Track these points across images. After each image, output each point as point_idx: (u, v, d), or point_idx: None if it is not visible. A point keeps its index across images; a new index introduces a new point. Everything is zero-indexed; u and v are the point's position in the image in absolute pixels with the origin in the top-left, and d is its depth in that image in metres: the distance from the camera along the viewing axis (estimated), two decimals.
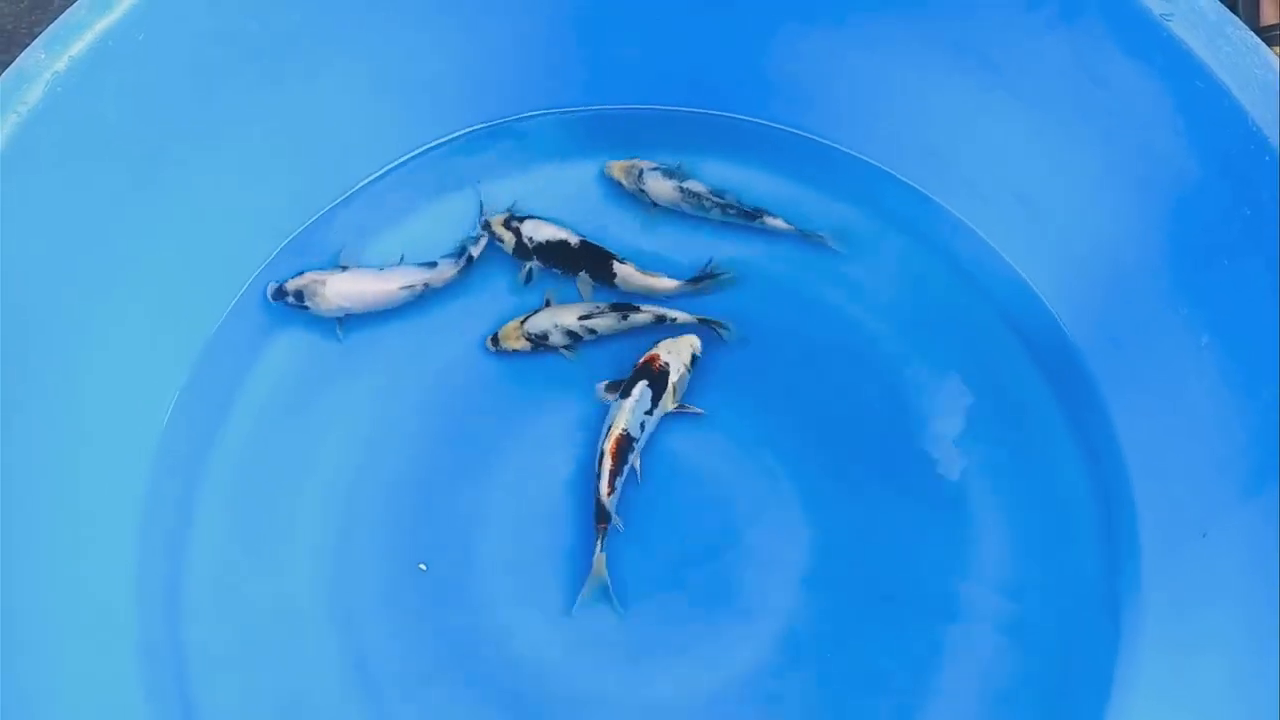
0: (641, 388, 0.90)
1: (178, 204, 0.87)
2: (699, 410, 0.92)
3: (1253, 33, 0.74)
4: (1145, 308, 0.85)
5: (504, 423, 0.93)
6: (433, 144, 0.99)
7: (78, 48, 0.74)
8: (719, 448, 0.92)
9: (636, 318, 0.93)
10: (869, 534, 0.90)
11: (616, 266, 0.95)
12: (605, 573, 0.88)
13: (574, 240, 0.95)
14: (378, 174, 0.98)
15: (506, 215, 0.96)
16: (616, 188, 0.99)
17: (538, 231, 0.95)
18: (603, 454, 0.89)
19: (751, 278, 0.97)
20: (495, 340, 0.93)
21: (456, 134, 1.00)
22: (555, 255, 0.95)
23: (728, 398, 0.93)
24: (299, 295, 0.92)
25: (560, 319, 0.93)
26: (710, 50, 0.96)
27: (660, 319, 0.94)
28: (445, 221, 0.98)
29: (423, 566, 0.89)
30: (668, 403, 0.91)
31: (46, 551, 0.81)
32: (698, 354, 0.93)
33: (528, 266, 0.96)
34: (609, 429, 0.89)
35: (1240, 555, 0.80)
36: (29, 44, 0.75)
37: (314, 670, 0.87)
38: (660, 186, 0.97)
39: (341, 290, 0.92)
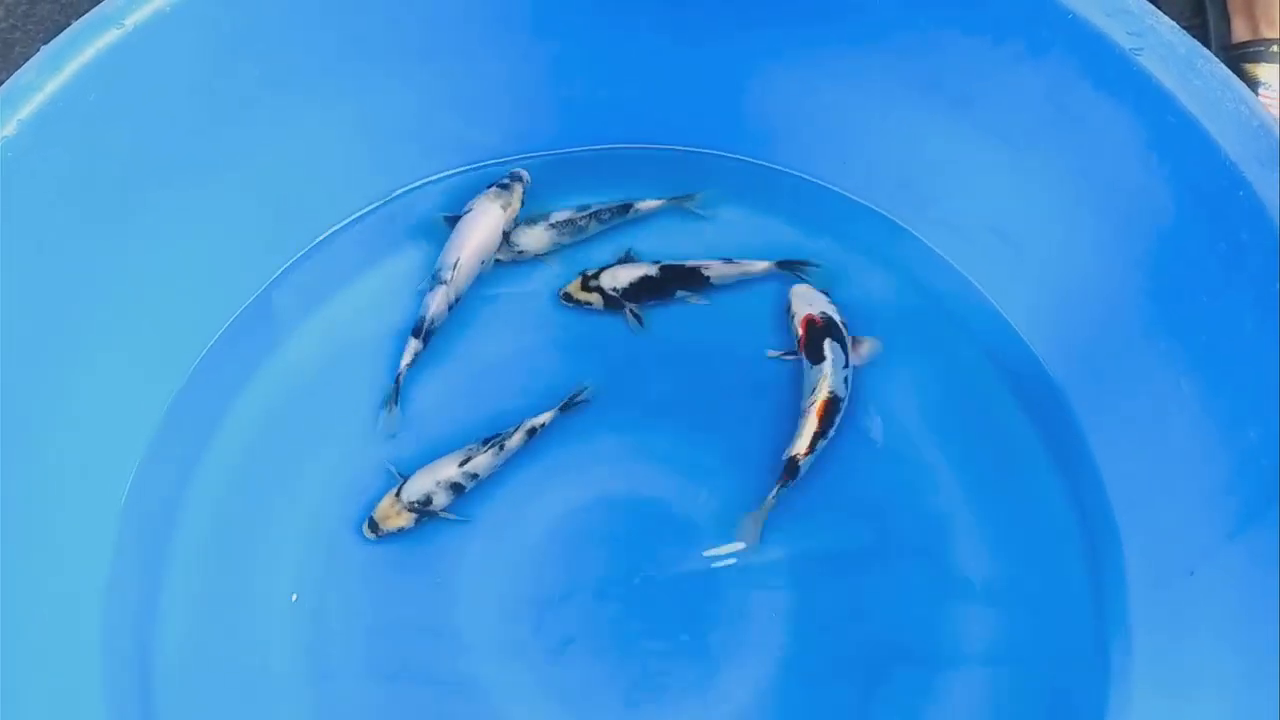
0: (832, 345, 0.89)
1: (142, 259, 0.85)
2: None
3: (1224, 65, 0.73)
4: (1125, 342, 0.84)
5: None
6: (406, 188, 0.98)
7: (26, 111, 0.72)
8: (692, 492, 0.90)
9: (511, 444, 0.89)
10: (851, 578, 0.88)
11: (706, 270, 0.94)
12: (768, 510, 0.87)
13: (654, 270, 0.94)
14: (350, 219, 0.97)
15: (580, 279, 0.94)
16: (499, 264, 0.96)
17: (617, 279, 0.94)
18: (806, 413, 0.88)
19: (718, 315, 0.95)
20: (373, 526, 0.87)
21: (431, 178, 0.98)
22: (645, 292, 0.94)
23: (700, 437, 0.92)
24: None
25: (440, 475, 0.87)
26: (683, 88, 0.95)
27: (532, 432, 0.89)
28: (419, 264, 0.97)
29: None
30: (853, 354, 0.90)
31: (8, 611, 0.79)
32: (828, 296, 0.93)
33: (629, 311, 0.94)
34: (814, 392, 0.88)
35: (1229, 593, 0.78)
36: None
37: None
38: (533, 236, 0.95)
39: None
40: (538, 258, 0.96)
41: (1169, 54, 0.73)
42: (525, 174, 0.96)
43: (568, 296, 0.95)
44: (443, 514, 0.88)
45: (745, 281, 0.96)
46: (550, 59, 0.93)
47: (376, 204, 0.97)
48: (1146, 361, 0.82)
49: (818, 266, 0.95)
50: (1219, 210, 0.73)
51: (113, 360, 0.86)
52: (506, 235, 0.94)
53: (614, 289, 0.94)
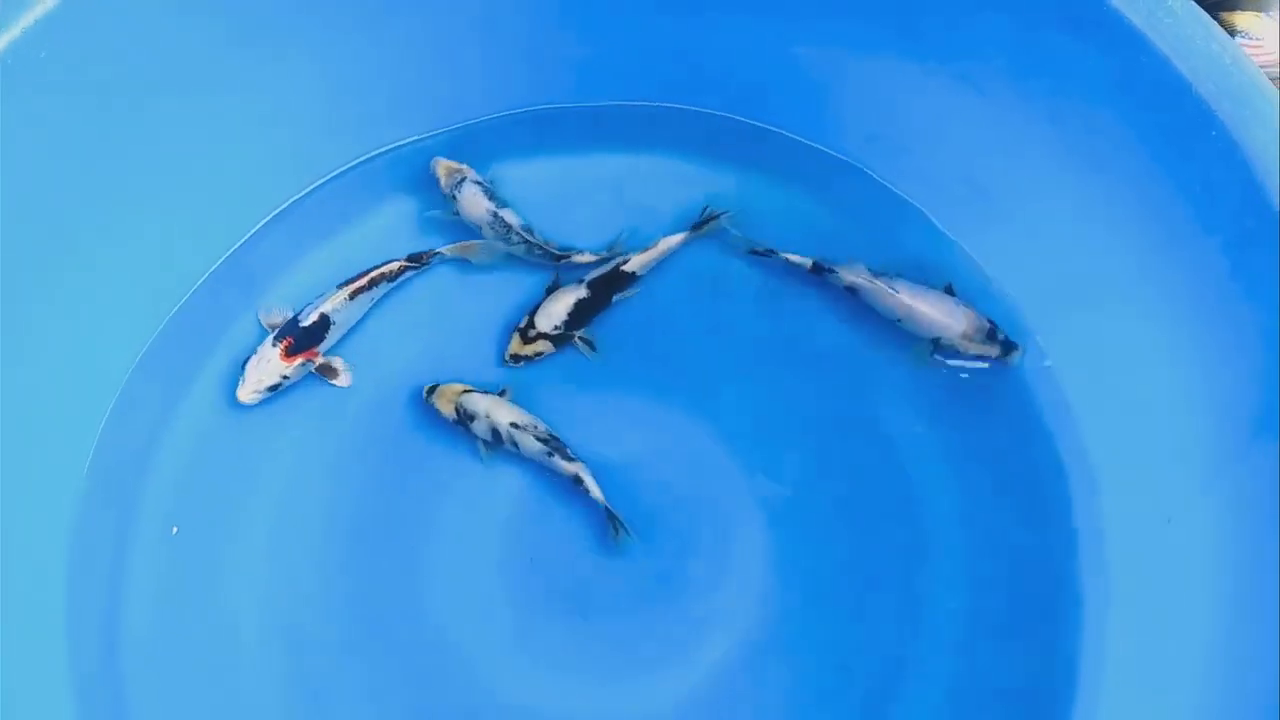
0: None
1: (98, 227, 0.84)
2: None
3: (1196, 3, 0.72)
4: (1099, 288, 0.83)
5: (449, 442, 0.90)
6: (381, 150, 0.96)
7: None
8: (676, 451, 0.90)
9: (561, 465, 0.86)
10: (830, 533, 0.88)
11: (628, 268, 0.92)
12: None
13: (583, 292, 0.91)
14: (318, 183, 0.95)
15: (517, 336, 0.91)
16: (436, 185, 0.94)
17: (552, 316, 0.90)
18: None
19: (705, 273, 0.94)
20: (431, 390, 0.90)
21: (402, 142, 0.96)
22: (583, 314, 0.91)
23: (683, 399, 0.91)
24: None
25: (497, 415, 0.87)
26: (655, 43, 0.93)
27: (578, 481, 0.87)
28: (394, 226, 0.96)
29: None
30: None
31: None
32: None
33: (580, 340, 0.91)
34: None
35: (1205, 540, 0.78)
36: None
37: (259, 694, 0.85)
38: (473, 202, 0.92)
39: None
40: (458, 215, 0.93)
41: None
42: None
43: (515, 357, 0.91)
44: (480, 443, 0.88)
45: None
46: (521, 14, 0.90)
47: (351, 164, 0.95)
48: (1121, 307, 0.82)
49: (726, 212, 0.93)
50: (1190, 150, 0.72)
51: (74, 323, 0.85)
52: (461, 181, 0.93)
53: (555, 327, 0.90)
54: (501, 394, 0.89)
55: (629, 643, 0.86)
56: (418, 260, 0.92)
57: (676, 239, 0.93)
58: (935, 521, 0.88)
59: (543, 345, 0.90)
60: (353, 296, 0.90)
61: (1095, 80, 0.75)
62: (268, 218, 0.94)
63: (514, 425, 0.87)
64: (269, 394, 0.89)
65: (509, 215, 0.92)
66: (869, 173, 0.94)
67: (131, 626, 0.85)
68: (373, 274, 0.91)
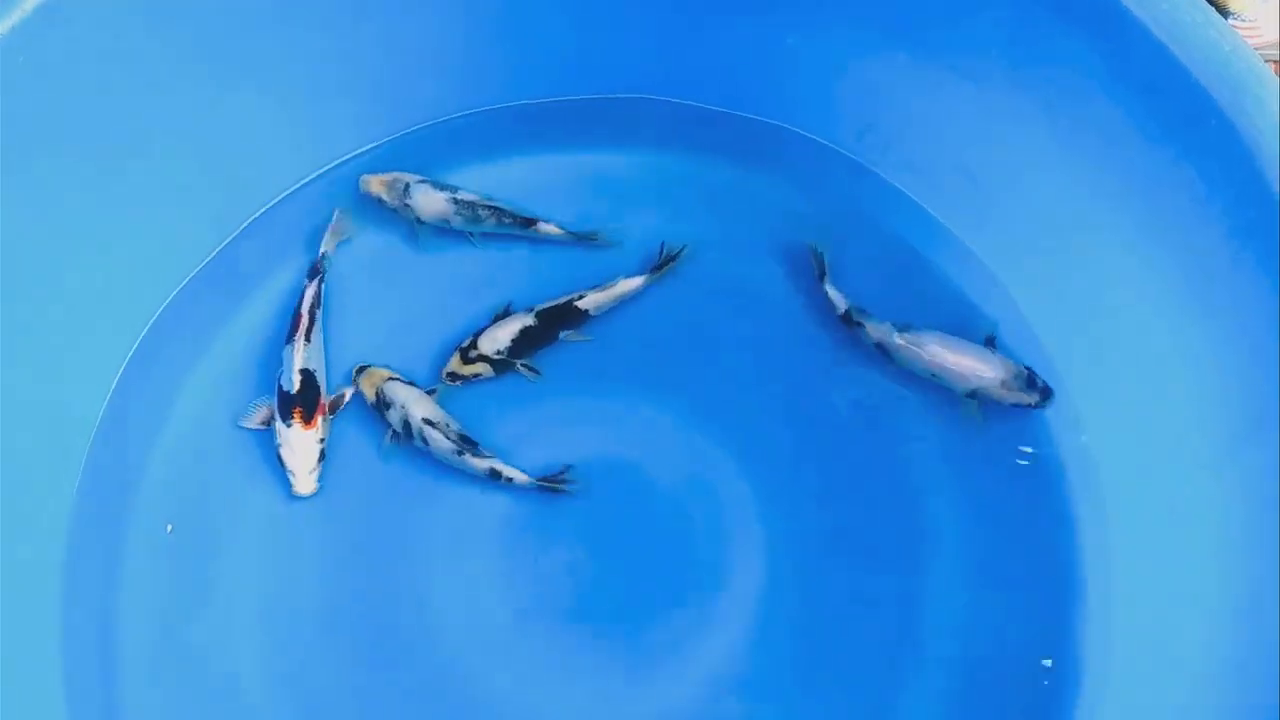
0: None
1: (80, 230, 0.83)
2: None
3: None
4: (1098, 279, 0.83)
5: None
6: (351, 155, 0.95)
7: None
8: (674, 456, 0.89)
9: (473, 462, 0.86)
10: (828, 533, 0.87)
11: (581, 304, 0.90)
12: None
13: (531, 320, 0.90)
14: (287, 193, 0.94)
15: (458, 355, 0.89)
16: (381, 204, 0.93)
17: (497, 340, 0.89)
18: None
19: (700, 279, 0.93)
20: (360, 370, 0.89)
21: (379, 142, 0.95)
22: (529, 343, 0.90)
23: (682, 401, 0.90)
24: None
25: (413, 408, 0.86)
26: (638, 35, 0.92)
27: (496, 474, 0.86)
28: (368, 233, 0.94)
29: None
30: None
31: None
32: None
33: (522, 366, 0.90)
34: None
35: (1210, 534, 0.77)
36: None
37: (255, 702, 0.84)
38: (430, 200, 0.91)
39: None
40: (422, 222, 0.92)
41: None
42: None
43: (453, 375, 0.89)
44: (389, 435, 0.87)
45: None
46: (507, 6, 0.89)
47: (321, 171, 0.94)
48: (1120, 297, 0.81)
49: (685, 248, 0.91)
50: (1189, 140, 0.71)
51: (58, 328, 0.84)
52: (406, 187, 0.91)
53: (498, 351, 0.89)
54: (430, 393, 0.88)
55: (626, 649, 0.85)
56: (316, 272, 0.91)
57: (635, 282, 0.91)
58: (935, 520, 0.87)
59: (481, 368, 0.89)
60: (309, 339, 0.89)
61: (1091, 68, 0.74)
62: (248, 221, 0.93)
63: (426, 421, 0.86)
64: (321, 466, 0.88)
65: (465, 195, 0.91)
66: (863, 163, 0.93)
67: (126, 636, 0.84)
68: (304, 310, 0.90)
